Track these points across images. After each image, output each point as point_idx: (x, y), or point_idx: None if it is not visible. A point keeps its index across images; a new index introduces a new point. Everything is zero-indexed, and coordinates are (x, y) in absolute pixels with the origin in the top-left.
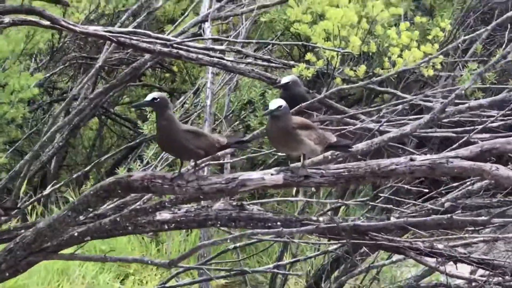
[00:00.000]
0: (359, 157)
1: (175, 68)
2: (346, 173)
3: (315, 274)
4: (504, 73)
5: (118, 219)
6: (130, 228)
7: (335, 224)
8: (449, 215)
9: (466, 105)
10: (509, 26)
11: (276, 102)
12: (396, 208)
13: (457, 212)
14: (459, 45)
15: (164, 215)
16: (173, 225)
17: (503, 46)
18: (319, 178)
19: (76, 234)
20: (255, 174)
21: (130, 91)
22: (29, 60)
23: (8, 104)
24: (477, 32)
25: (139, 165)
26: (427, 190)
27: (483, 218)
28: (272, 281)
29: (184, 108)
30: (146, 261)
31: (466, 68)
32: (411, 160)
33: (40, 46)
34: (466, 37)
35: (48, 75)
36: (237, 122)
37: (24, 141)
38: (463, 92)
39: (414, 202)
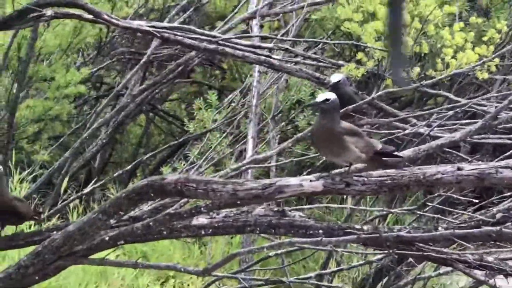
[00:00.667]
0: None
1: (225, 66)
2: (389, 181)
3: (360, 284)
4: None
5: (151, 223)
6: (165, 232)
7: (377, 234)
8: (498, 227)
9: None
10: None
11: (323, 95)
12: (445, 218)
13: (508, 224)
14: None
15: (201, 219)
16: (210, 230)
17: None
18: (361, 186)
19: (107, 238)
20: (293, 180)
21: (179, 87)
22: (76, 55)
23: (53, 100)
24: None
25: (184, 164)
26: (477, 200)
27: None
28: None
29: (231, 107)
30: (179, 268)
31: None
32: (459, 169)
33: (87, 40)
34: None
35: (95, 70)
36: (285, 123)
37: (69, 137)
38: None
39: (463, 212)
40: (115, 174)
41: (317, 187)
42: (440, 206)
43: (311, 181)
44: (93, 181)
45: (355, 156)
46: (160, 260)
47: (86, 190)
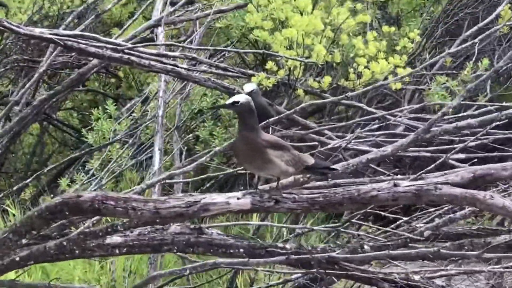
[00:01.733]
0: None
1: (120, 73)
2: (322, 199)
3: None
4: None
5: (64, 243)
6: (77, 252)
7: (309, 256)
8: (435, 248)
9: (454, 124)
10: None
11: (233, 98)
12: (370, 236)
13: (435, 239)
14: (426, 58)
15: (115, 238)
16: (124, 249)
17: (473, 59)
18: (291, 204)
19: (17, 259)
20: (219, 198)
21: (74, 96)
22: None
23: None
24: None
25: (82, 176)
26: (397, 215)
27: (474, 253)
28: None
29: (132, 118)
30: None
31: (435, 81)
32: (395, 185)
33: None
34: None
35: None
36: (186, 133)
37: None
38: (450, 110)
39: (388, 229)
40: (15, 188)
41: (245, 205)
42: (363, 223)
43: (238, 198)
44: None
45: (280, 170)
46: (61, 275)
47: None
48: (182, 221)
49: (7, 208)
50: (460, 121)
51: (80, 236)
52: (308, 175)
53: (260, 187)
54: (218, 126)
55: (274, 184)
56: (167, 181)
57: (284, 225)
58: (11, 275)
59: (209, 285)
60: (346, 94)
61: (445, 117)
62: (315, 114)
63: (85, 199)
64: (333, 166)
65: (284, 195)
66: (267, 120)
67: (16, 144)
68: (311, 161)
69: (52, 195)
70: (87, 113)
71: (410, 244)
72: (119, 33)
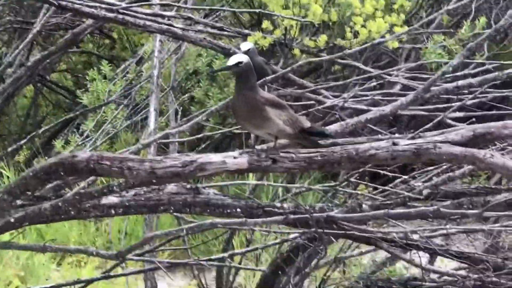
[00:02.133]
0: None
1: (114, 34)
2: (319, 158)
3: (272, 264)
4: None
5: (60, 204)
6: (73, 212)
7: (308, 215)
8: (435, 207)
9: (454, 84)
10: None
11: (235, 58)
12: (368, 194)
13: (434, 198)
14: (423, 16)
15: (111, 198)
16: (121, 210)
17: (470, 17)
18: (289, 163)
19: (12, 220)
20: (215, 157)
21: (67, 57)
22: None
23: None
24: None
25: (77, 138)
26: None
27: (474, 211)
28: (221, 271)
29: (127, 78)
30: (91, 252)
31: (432, 40)
32: (394, 144)
33: None
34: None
35: None
36: (180, 94)
37: None
38: (451, 68)
39: (386, 188)
40: (9, 149)
41: (242, 164)
42: (360, 182)
43: (234, 157)
44: None
45: (278, 128)
46: (56, 237)
47: None
48: (179, 181)
49: (1, 170)
50: (461, 80)
51: (75, 197)
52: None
53: (257, 147)
54: (213, 86)
55: (271, 144)
56: (163, 140)
57: (281, 184)
58: (5, 236)
59: (205, 245)
60: (343, 52)
61: (444, 76)
62: (311, 74)
63: (80, 159)
64: (329, 132)
65: (281, 154)
66: (264, 79)
67: (10, 106)
68: (307, 124)
69: (46, 157)
70: (81, 75)
71: (409, 203)
72: None
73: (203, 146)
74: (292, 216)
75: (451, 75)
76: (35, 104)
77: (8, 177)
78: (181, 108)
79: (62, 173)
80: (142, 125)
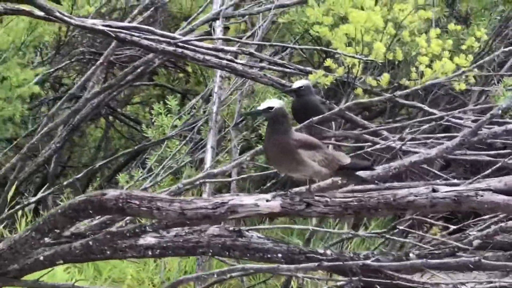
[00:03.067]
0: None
1: (189, 68)
2: (356, 203)
3: None
4: None
5: (91, 243)
6: (108, 252)
7: (341, 262)
8: (476, 257)
9: (503, 127)
10: None
11: (267, 103)
12: (416, 243)
13: (485, 252)
14: (495, 58)
15: (149, 239)
16: (158, 251)
17: None
18: (323, 208)
19: (41, 258)
20: (247, 199)
21: (141, 90)
22: (33, 54)
23: (5, 101)
24: None
25: (141, 172)
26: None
27: None
28: None
29: (192, 113)
30: None
31: (502, 83)
32: (434, 191)
33: (46, 39)
34: (505, 49)
35: (52, 70)
36: (247, 131)
37: (25, 140)
38: (499, 112)
39: (434, 237)
40: (65, 182)
41: (274, 207)
42: (411, 230)
43: (267, 200)
44: (43, 188)
45: (313, 170)
46: (114, 272)
47: (34, 198)
48: (209, 223)
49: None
50: (510, 124)
51: (107, 236)
52: (345, 179)
53: (292, 190)
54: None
55: (306, 186)
56: (206, 180)
57: (329, 230)
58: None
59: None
60: (395, 93)
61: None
62: (378, 116)
63: (109, 198)
64: (371, 166)
65: (316, 198)
66: (311, 119)
67: (83, 138)
68: (346, 160)
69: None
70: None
71: (457, 253)
72: (183, 27)
73: (268, 184)
74: (325, 264)
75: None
76: (106, 137)
77: None
78: (246, 145)
79: (91, 211)
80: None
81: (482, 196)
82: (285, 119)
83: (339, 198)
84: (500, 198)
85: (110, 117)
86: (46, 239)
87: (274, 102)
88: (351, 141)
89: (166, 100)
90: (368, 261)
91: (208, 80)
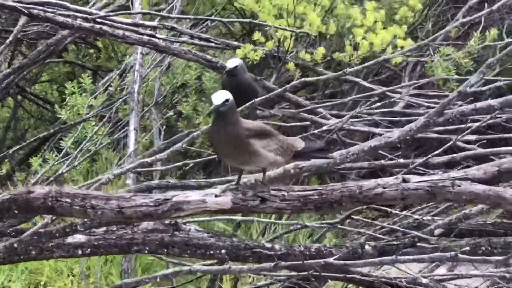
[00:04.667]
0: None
1: (100, 44)
2: (316, 197)
3: None
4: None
5: (15, 245)
6: (34, 253)
7: (302, 262)
8: (452, 253)
9: (472, 106)
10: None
11: (220, 96)
12: (372, 233)
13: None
14: (430, 28)
15: (78, 237)
16: (88, 250)
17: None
18: (280, 203)
19: None
20: (194, 195)
21: (50, 68)
22: None
23: None
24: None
25: (56, 155)
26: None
27: (498, 258)
28: None
29: (108, 92)
30: None
31: (438, 53)
32: (404, 181)
33: None
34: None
35: None
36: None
37: None
38: (467, 89)
39: (394, 227)
40: None
41: (224, 204)
42: (365, 219)
43: (216, 196)
44: None
45: (267, 161)
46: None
47: None
48: (151, 221)
49: None
50: (479, 102)
51: (33, 237)
52: (300, 166)
53: (243, 179)
54: (202, 101)
55: (259, 176)
56: (139, 169)
57: (274, 221)
58: None
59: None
60: (345, 70)
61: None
62: (306, 88)
63: (37, 196)
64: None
65: (272, 192)
66: (253, 101)
67: None
68: (301, 145)
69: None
70: (65, 86)
71: (418, 244)
72: (95, 1)
73: (189, 166)
74: (283, 263)
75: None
76: (15, 117)
77: None
78: (166, 124)
79: (16, 211)
80: (125, 142)
81: (459, 186)
82: (234, 110)
83: (297, 191)
84: (480, 188)
85: (19, 96)
86: None
87: (226, 93)
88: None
89: (75, 79)
90: (331, 260)
91: (121, 55)
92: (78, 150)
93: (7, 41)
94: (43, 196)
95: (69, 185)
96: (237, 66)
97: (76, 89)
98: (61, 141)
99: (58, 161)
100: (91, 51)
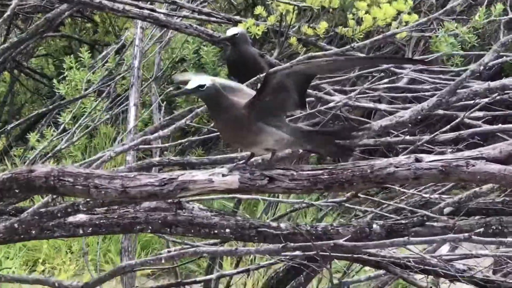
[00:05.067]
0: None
1: (97, 18)
2: (326, 176)
3: (265, 286)
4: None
5: (16, 225)
6: (34, 232)
7: (311, 244)
8: (466, 234)
9: (485, 85)
10: None
11: (196, 80)
12: (379, 212)
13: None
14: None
15: (79, 216)
16: (90, 229)
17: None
18: (289, 182)
19: None
20: (200, 174)
21: (47, 42)
22: None
23: None
24: None
25: (54, 131)
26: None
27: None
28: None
29: (106, 68)
30: (51, 283)
31: (442, 28)
32: (417, 160)
33: None
34: None
35: None
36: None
37: None
38: (481, 68)
39: (400, 205)
40: None
41: (232, 183)
42: (372, 198)
43: (223, 175)
44: None
45: (273, 139)
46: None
47: None
48: (156, 200)
49: None
50: (492, 82)
51: (34, 217)
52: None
53: (250, 159)
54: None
55: (267, 156)
56: (141, 146)
57: (278, 199)
58: None
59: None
60: (352, 45)
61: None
62: None
63: (38, 175)
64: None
65: (280, 171)
66: (257, 76)
67: None
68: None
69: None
70: (63, 60)
71: (426, 223)
72: None
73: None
74: (291, 245)
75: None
76: (11, 91)
77: None
78: (164, 100)
79: (16, 190)
80: (124, 117)
81: (474, 165)
82: (220, 95)
83: (307, 171)
84: (495, 167)
85: (15, 71)
86: None
87: (203, 78)
88: None
89: (72, 54)
90: (341, 241)
91: (119, 30)
92: (76, 125)
93: (5, 15)
94: (44, 175)
95: (67, 161)
96: (237, 34)
97: (74, 64)
98: (58, 116)
99: (56, 137)
100: (88, 25)
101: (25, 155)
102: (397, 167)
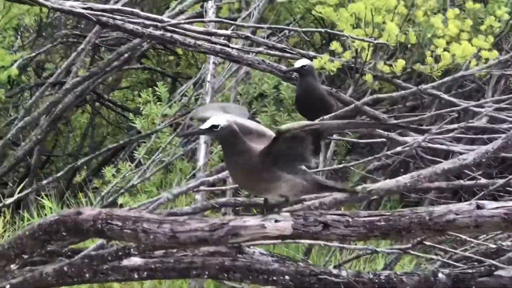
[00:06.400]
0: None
1: (179, 50)
2: (383, 223)
3: None
4: None
5: (65, 268)
6: (87, 275)
7: None
8: None
9: None
10: None
11: (211, 120)
12: (445, 260)
13: None
14: None
15: (134, 259)
16: (145, 273)
17: None
18: (343, 229)
19: (8, 287)
20: (252, 220)
21: (129, 74)
22: (13, 37)
23: None
24: None
25: (129, 166)
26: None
27: None
28: None
29: (183, 102)
30: None
31: None
32: (478, 207)
33: (26, 21)
34: None
35: (33, 54)
36: None
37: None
38: None
39: (467, 254)
40: (45, 182)
41: (285, 229)
42: (438, 246)
43: (276, 221)
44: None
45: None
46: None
47: (10, 200)
48: (206, 246)
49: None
50: None
51: (84, 261)
52: (368, 188)
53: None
54: (281, 111)
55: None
56: (198, 189)
57: (342, 245)
58: None
59: None
60: (420, 87)
61: None
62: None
63: (86, 218)
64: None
65: (334, 217)
66: (322, 117)
67: (68, 126)
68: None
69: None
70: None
71: (495, 273)
72: (171, 9)
73: None
74: None
75: None
76: (92, 124)
77: (50, 208)
78: None
79: (64, 233)
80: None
81: None
82: (236, 137)
83: (362, 217)
84: None
85: (97, 103)
86: (12, 266)
87: (219, 119)
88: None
89: (155, 86)
90: None
91: (200, 63)
92: (150, 161)
93: (79, 48)
94: (92, 218)
95: (141, 197)
96: (305, 65)
97: (151, 97)
98: (135, 151)
99: (131, 172)
100: (171, 57)
101: (100, 189)
102: (457, 214)
